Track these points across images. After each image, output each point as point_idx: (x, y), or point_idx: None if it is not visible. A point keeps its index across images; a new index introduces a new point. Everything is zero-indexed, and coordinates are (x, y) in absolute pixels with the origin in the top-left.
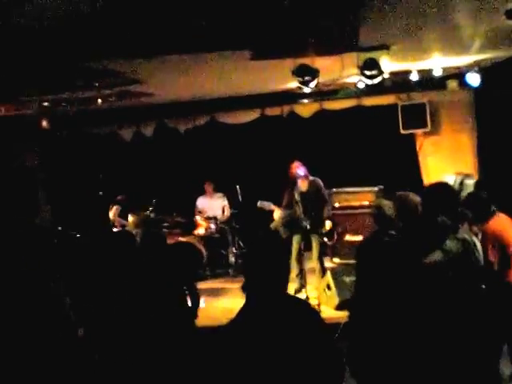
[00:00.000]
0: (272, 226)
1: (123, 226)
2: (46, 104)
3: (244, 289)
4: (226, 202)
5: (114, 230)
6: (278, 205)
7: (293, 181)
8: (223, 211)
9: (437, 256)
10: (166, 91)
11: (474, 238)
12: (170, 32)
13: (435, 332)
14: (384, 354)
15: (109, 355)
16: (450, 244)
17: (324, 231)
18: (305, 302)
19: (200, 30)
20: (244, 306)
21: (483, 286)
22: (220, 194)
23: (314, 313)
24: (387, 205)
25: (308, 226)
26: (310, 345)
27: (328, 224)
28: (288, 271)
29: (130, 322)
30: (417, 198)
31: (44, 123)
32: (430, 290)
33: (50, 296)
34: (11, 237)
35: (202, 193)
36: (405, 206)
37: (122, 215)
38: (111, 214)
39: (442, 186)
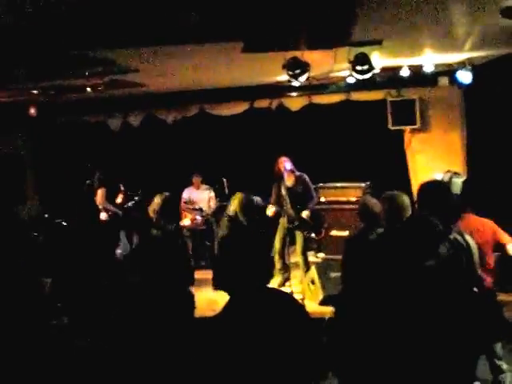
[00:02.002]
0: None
1: (110, 211)
2: (34, 92)
3: (216, 286)
4: (212, 194)
5: (103, 216)
6: (267, 200)
7: (279, 175)
8: (209, 203)
9: (430, 262)
10: (156, 81)
11: (468, 238)
12: (161, 22)
13: (422, 333)
14: (368, 354)
15: (94, 343)
16: (442, 248)
17: (303, 219)
18: (289, 296)
19: (191, 22)
20: (228, 301)
21: (475, 289)
22: (206, 186)
23: (299, 306)
24: (372, 202)
25: (295, 223)
26: (294, 338)
27: (305, 213)
28: (267, 264)
29: (116, 310)
30: (406, 199)
31: (32, 110)
32: (419, 293)
33: (31, 285)
34: None
35: (189, 184)
36: (393, 207)
37: (108, 198)
38: (98, 199)
39: (436, 185)
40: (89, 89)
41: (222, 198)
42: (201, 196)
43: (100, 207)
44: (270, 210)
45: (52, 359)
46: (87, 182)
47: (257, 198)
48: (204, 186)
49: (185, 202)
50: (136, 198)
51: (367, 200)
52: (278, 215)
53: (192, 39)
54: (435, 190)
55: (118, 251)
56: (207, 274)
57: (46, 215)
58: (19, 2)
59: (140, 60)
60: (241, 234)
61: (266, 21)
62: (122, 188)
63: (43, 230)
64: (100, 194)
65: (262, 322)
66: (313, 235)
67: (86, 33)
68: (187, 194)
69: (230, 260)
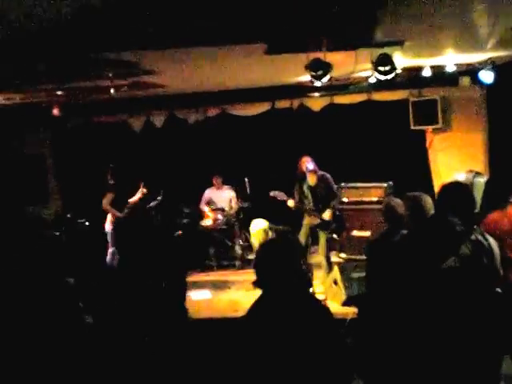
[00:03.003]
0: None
1: (114, 216)
2: (58, 92)
3: (256, 284)
4: (233, 194)
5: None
6: (290, 197)
7: (301, 175)
8: (231, 203)
9: (451, 262)
10: (178, 83)
11: (490, 238)
12: (184, 24)
13: (444, 333)
14: (391, 355)
15: (116, 342)
16: (463, 249)
17: (324, 219)
18: (313, 298)
19: (214, 24)
20: (257, 301)
21: (498, 290)
22: (228, 187)
23: (323, 308)
24: (397, 203)
25: (317, 221)
26: (319, 344)
27: (327, 213)
28: (303, 269)
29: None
30: (429, 199)
31: (55, 111)
32: (441, 293)
33: (55, 285)
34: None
35: (210, 185)
36: (416, 207)
37: (116, 204)
38: (104, 202)
39: (456, 186)
40: (112, 90)
41: (244, 199)
42: (222, 196)
43: (106, 211)
44: (290, 202)
45: (77, 358)
46: (110, 181)
47: (278, 193)
48: (225, 187)
49: (206, 203)
50: (158, 198)
51: (392, 201)
52: (300, 214)
53: (215, 42)
54: (456, 191)
55: (108, 257)
56: (229, 275)
57: (69, 215)
58: (45, 6)
59: (163, 62)
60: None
61: (289, 23)
62: (142, 187)
63: (66, 230)
64: (107, 197)
65: (285, 324)
66: (334, 235)
67: (110, 35)
68: (209, 194)
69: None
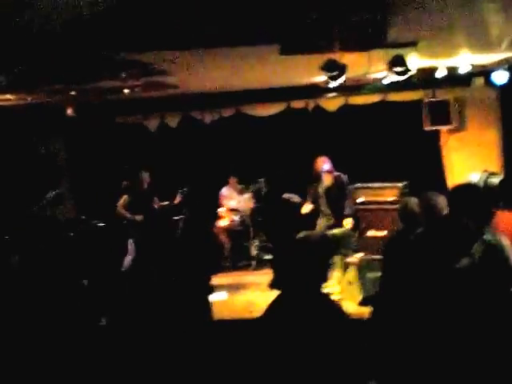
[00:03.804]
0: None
1: (128, 220)
2: (72, 93)
3: (273, 286)
4: (249, 195)
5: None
6: (304, 199)
7: (317, 175)
8: (247, 204)
9: (464, 262)
10: (193, 83)
11: (502, 238)
12: (199, 25)
13: (457, 335)
14: (405, 355)
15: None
16: (475, 248)
17: (346, 227)
18: (328, 298)
19: (229, 25)
20: (274, 302)
21: None
22: (243, 187)
23: (338, 309)
24: (414, 202)
25: (332, 221)
26: (333, 341)
27: (347, 222)
28: (325, 270)
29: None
30: (443, 199)
31: (69, 111)
32: (454, 293)
33: (69, 286)
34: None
35: (226, 184)
36: (430, 207)
37: (131, 208)
38: (119, 205)
39: (468, 188)
40: (126, 90)
41: (259, 199)
42: (238, 196)
43: (119, 215)
44: (306, 208)
45: (92, 359)
46: (124, 183)
47: (291, 195)
48: (241, 187)
49: (222, 203)
50: (183, 216)
51: (408, 200)
52: (314, 214)
53: (230, 43)
54: (467, 192)
55: (127, 260)
56: (244, 276)
57: (83, 216)
58: (60, 6)
59: (177, 62)
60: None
61: (303, 24)
62: (180, 195)
63: (80, 231)
64: (122, 201)
65: (301, 325)
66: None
67: (123, 35)
68: (224, 194)
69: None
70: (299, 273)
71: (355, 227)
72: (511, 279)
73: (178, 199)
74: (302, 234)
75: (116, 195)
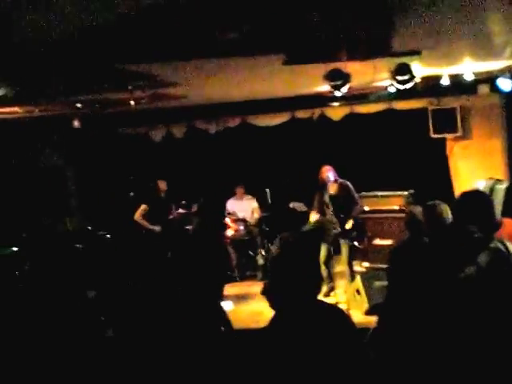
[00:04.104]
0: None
1: (147, 229)
2: (78, 105)
3: (265, 293)
4: (255, 205)
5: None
6: (310, 208)
7: (322, 184)
8: (253, 213)
9: (471, 270)
10: (198, 94)
11: (510, 246)
12: (204, 36)
13: (464, 344)
14: (412, 363)
15: (137, 354)
16: (482, 257)
17: (347, 228)
18: (337, 309)
19: (234, 35)
20: (276, 313)
21: None
22: (250, 197)
23: (347, 320)
24: (420, 212)
25: (338, 230)
26: (341, 352)
27: (350, 223)
28: (318, 276)
29: (157, 321)
30: (446, 208)
31: (76, 123)
32: (460, 302)
33: (76, 298)
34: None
35: (232, 195)
36: (434, 216)
37: (149, 218)
38: (137, 214)
39: (475, 195)
40: (132, 102)
41: (265, 209)
42: (244, 206)
43: (137, 223)
44: (313, 217)
45: (97, 371)
46: (130, 194)
47: (298, 204)
48: (247, 197)
49: (228, 213)
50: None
51: (414, 209)
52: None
53: (234, 53)
54: (474, 199)
55: None
56: (251, 286)
57: (90, 227)
58: (67, 18)
59: (183, 73)
60: (291, 250)
61: (307, 33)
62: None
63: (87, 243)
64: (140, 210)
65: (310, 336)
66: (355, 243)
67: (129, 47)
68: (230, 204)
69: (280, 275)
70: (289, 274)
71: (361, 236)
72: None
73: (195, 208)
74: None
75: (122, 206)
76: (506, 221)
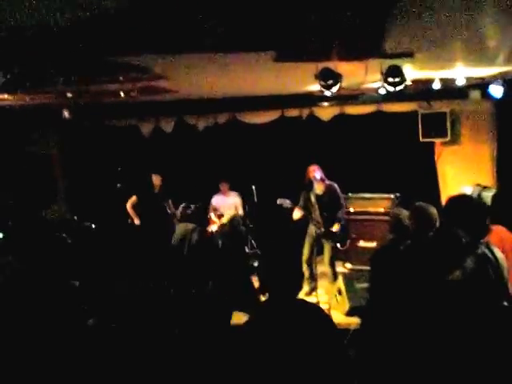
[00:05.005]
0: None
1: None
2: (69, 95)
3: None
4: (239, 201)
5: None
6: (295, 204)
7: (309, 183)
8: (236, 209)
9: (455, 274)
10: (189, 89)
11: (497, 252)
12: (195, 31)
13: (448, 348)
14: (395, 365)
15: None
16: (468, 261)
17: (333, 230)
18: (317, 308)
19: (225, 30)
20: (255, 310)
21: (505, 303)
22: (235, 193)
23: (326, 318)
24: (405, 214)
25: (322, 230)
26: (320, 350)
27: (335, 227)
28: (297, 276)
29: (140, 313)
30: (434, 211)
31: (66, 114)
32: (445, 306)
33: (60, 287)
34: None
35: (218, 191)
36: (422, 218)
37: (137, 209)
38: (128, 204)
39: (463, 199)
40: (122, 94)
41: (251, 206)
42: (228, 202)
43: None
44: (296, 214)
45: (81, 361)
46: (118, 185)
47: (284, 201)
48: (232, 193)
49: (213, 209)
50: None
51: (399, 211)
52: (304, 222)
53: (225, 48)
54: (462, 203)
55: None
56: None
57: (75, 217)
58: (57, 9)
59: (173, 67)
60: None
61: (299, 31)
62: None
63: (72, 233)
64: (130, 201)
65: (288, 333)
66: (338, 245)
67: (121, 40)
68: (215, 200)
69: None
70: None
71: (343, 238)
72: (504, 293)
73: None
74: None
75: (109, 197)
76: (495, 228)
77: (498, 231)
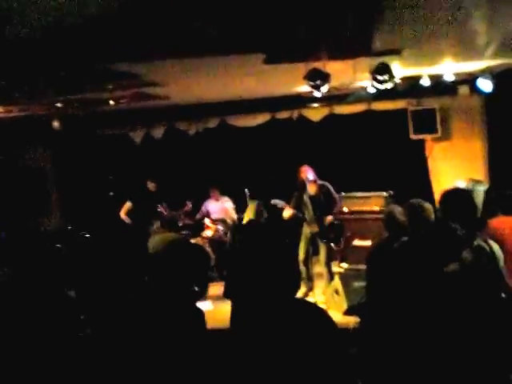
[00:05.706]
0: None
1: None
2: (58, 105)
3: (227, 295)
4: (231, 205)
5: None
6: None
7: (301, 184)
8: (228, 214)
9: (452, 267)
10: (178, 94)
11: (493, 244)
12: (183, 35)
13: (447, 341)
14: (396, 363)
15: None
16: (465, 254)
17: (326, 224)
18: (316, 307)
19: (214, 33)
20: (252, 312)
21: (503, 295)
22: (227, 198)
23: (327, 317)
24: (398, 211)
25: (316, 230)
26: (322, 350)
27: (328, 219)
28: (296, 275)
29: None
30: (429, 206)
31: (56, 124)
32: (443, 299)
33: (56, 297)
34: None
35: (209, 197)
36: (417, 214)
37: (132, 215)
38: (122, 211)
39: (457, 193)
40: (112, 102)
41: (244, 210)
42: (220, 207)
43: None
44: (287, 212)
45: (77, 370)
46: (110, 193)
47: (278, 201)
48: (224, 198)
49: (205, 215)
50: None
51: (393, 208)
52: (297, 222)
53: (214, 51)
54: (457, 197)
55: None
56: None
57: (70, 227)
58: (45, 16)
59: (163, 73)
60: (264, 243)
61: (287, 32)
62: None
63: (67, 242)
64: (125, 207)
65: (288, 334)
66: (332, 245)
67: (109, 47)
68: (208, 205)
69: (254, 270)
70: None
71: (337, 237)
72: (501, 285)
73: (188, 206)
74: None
75: (102, 206)
76: (490, 222)
77: (495, 225)
